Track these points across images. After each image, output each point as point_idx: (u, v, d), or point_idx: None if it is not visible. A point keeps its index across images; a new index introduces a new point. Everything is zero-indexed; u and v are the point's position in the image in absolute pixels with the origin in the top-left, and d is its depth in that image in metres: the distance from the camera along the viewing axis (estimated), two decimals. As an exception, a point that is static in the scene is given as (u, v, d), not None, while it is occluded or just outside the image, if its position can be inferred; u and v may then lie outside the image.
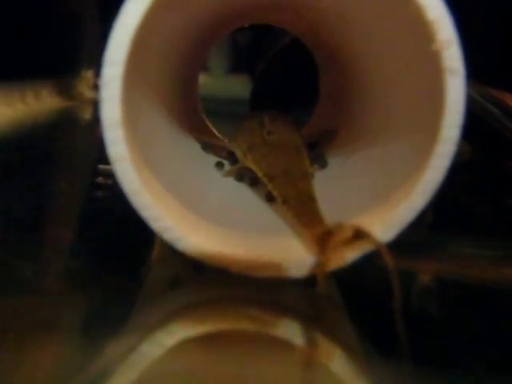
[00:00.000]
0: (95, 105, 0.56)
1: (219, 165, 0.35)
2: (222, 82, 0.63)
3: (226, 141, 0.37)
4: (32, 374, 0.18)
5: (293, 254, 0.24)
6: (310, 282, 0.24)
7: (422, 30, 0.21)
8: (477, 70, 0.22)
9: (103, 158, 0.23)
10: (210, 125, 0.43)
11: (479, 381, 0.20)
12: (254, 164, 0.30)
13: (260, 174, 0.29)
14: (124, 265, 0.27)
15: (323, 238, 0.22)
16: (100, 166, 0.38)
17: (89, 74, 0.60)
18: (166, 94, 0.32)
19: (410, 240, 0.25)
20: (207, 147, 0.37)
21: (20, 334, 0.20)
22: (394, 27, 0.24)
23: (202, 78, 0.47)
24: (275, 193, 0.27)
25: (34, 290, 0.24)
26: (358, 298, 0.26)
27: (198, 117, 0.43)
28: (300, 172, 0.28)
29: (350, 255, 0.23)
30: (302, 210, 0.25)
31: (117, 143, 0.22)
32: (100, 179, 0.37)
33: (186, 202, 0.25)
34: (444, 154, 0.22)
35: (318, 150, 0.36)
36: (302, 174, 0.28)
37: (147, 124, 0.27)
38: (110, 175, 0.35)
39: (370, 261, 0.23)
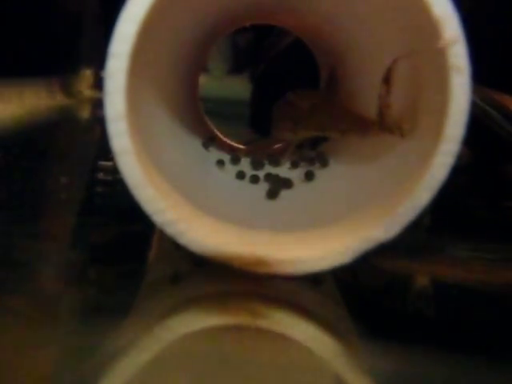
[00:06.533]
0: (94, 103, 0.56)
1: (220, 163, 0.35)
2: (222, 83, 0.63)
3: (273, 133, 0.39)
4: (32, 367, 0.18)
5: (292, 251, 0.24)
6: (314, 279, 0.24)
7: (427, 27, 0.21)
8: (477, 72, 0.22)
9: (103, 154, 0.23)
10: (210, 125, 0.44)
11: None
12: (306, 131, 0.34)
13: (314, 133, 0.34)
14: (124, 260, 0.27)
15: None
16: (100, 163, 0.38)
17: (88, 73, 0.60)
18: (168, 90, 0.32)
19: (408, 242, 0.25)
20: (208, 145, 0.37)
21: (20, 329, 0.20)
22: (400, 25, 0.25)
23: (202, 79, 0.47)
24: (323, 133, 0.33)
25: (33, 286, 0.24)
26: (355, 295, 0.26)
27: (199, 117, 0.43)
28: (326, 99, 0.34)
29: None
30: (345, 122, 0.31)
31: (120, 136, 0.22)
32: (100, 175, 0.37)
33: (188, 197, 0.25)
34: (448, 151, 0.22)
35: (319, 149, 0.36)
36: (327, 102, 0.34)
37: (150, 118, 0.27)
38: (110, 171, 0.36)
39: (366, 261, 0.23)
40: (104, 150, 0.22)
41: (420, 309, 0.25)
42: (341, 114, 0.32)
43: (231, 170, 0.35)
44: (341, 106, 0.34)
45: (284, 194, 0.31)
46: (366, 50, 0.31)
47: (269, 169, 0.35)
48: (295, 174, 0.34)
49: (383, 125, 0.26)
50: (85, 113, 0.56)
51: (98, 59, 0.58)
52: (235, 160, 0.36)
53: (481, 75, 0.23)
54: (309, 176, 0.33)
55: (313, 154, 0.36)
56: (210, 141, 0.37)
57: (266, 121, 0.38)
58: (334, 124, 0.32)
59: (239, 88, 0.61)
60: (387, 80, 0.25)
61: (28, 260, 0.26)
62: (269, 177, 0.33)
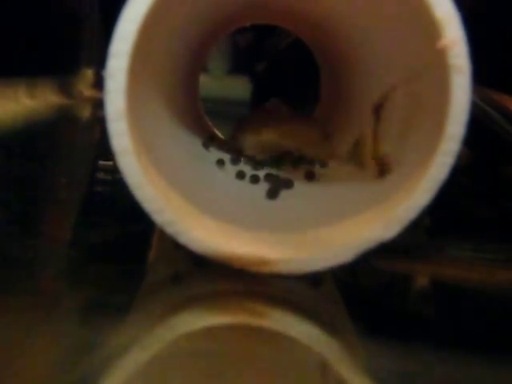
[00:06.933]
0: (94, 103, 0.56)
1: (220, 163, 0.35)
2: (222, 83, 0.63)
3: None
4: (32, 367, 0.18)
5: (292, 251, 0.24)
6: (314, 279, 0.24)
7: (429, 27, 0.21)
8: (477, 72, 0.22)
9: (103, 154, 0.22)
10: (210, 125, 0.44)
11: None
12: (269, 133, 0.36)
13: (275, 138, 0.35)
14: (124, 260, 0.27)
15: None
16: (100, 162, 0.38)
17: (88, 73, 0.60)
18: (168, 90, 0.32)
19: (408, 242, 0.25)
20: (208, 145, 0.37)
21: (20, 329, 0.20)
22: (401, 25, 0.25)
23: (202, 79, 0.47)
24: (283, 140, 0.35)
25: (33, 285, 0.24)
26: (355, 295, 0.26)
27: (199, 116, 0.44)
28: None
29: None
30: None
31: (121, 135, 0.22)
32: (100, 175, 0.37)
33: (188, 197, 0.25)
34: (448, 151, 0.22)
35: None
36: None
37: (150, 118, 0.27)
38: (110, 171, 0.36)
39: (366, 261, 0.23)
40: (104, 149, 0.22)
41: (420, 309, 0.25)
42: (312, 136, 0.35)
43: (231, 169, 0.35)
44: (317, 131, 0.36)
45: (284, 193, 0.31)
46: (366, 49, 0.31)
47: (269, 169, 0.35)
48: (295, 174, 0.34)
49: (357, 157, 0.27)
50: (85, 113, 0.56)
51: (98, 59, 0.58)
52: (235, 160, 0.36)
53: (481, 75, 0.23)
54: (309, 176, 0.33)
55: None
56: (209, 141, 0.37)
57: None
58: (298, 139, 0.34)
59: (239, 88, 0.61)
60: (378, 109, 0.26)
61: (28, 260, 0.26)
62: (269, 177, 0.33)
